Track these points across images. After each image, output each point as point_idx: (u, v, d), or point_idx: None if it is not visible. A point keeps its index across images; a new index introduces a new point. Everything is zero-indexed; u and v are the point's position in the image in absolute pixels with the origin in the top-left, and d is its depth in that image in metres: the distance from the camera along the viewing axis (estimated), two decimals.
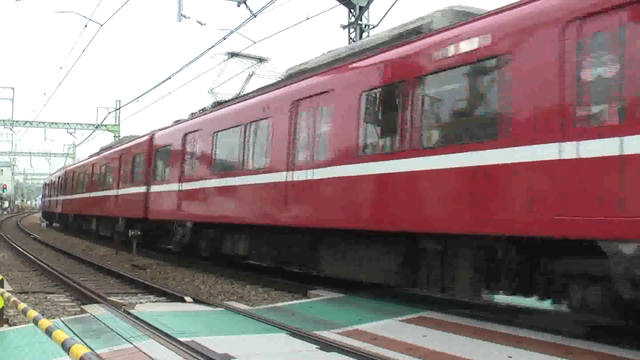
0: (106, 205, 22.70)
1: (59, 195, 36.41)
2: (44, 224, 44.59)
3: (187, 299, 9.44)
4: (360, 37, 17.05)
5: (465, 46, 7.36)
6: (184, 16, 17.13)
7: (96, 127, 45.14)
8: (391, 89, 8.65)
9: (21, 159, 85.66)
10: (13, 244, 22.18)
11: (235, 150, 12.69)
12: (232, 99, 14.53)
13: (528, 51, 6.67)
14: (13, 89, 46.84)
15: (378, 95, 8.94)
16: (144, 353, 5.65)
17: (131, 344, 6.01)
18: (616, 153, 5.68)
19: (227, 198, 12.87)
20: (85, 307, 8.53)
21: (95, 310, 8.17)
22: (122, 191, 20.66)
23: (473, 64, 7.34)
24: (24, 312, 5.59)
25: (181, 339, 6.06)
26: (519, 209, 6.54)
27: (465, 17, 8.08)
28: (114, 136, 42.99)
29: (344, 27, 17.57)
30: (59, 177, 37.63)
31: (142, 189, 18.16)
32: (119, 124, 45.77)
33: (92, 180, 26.11)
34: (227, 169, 13.08)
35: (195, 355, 5.51)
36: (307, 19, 15.36)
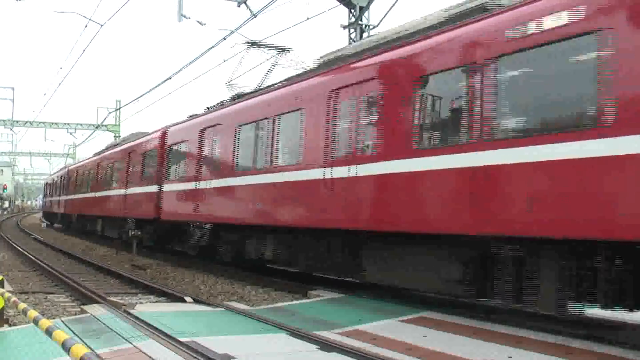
0: (113, 205, 21.56)
1: (61, 195, 35.50)
2: (44, 224, 44.41)
3: (187, 299, 9.44)
4: (361, 37, 17.03)
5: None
6: (184, 16, 17.08)
7: (96, 127, 45.12)
8: (460, 71, 7.54)
9: (21, 159, 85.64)
10: (13, 244, 22.16)
11: (262, 145, 11.63)
12: (255, 91, 13.56)
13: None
14: (13, 89, 46.68)
15: (438, 80, 7.91)
16: (144, 353, 5.65)
17: (131, 344, 6.01)
18: None
19: (254, 197, 11.72)
20: (85, 307, 8.54)
21: (95, 310, 8.18)
22: (130, 190, 19.47)
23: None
24: (24, 312, 5.60)
25: (181, 339, 6.06)
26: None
27: None
28: (114, 136, 42.86)
29: (344, 27, 17.59)
30: (61, 177, 36.55)
31: (153, 188, 17.12)
32: (119, 124, 45.70)
33: (98, 180, 24.81)
34: (252, 166, 11.95)
35: (195, 355, 5.52)
36: (307, 19, 15.38)
